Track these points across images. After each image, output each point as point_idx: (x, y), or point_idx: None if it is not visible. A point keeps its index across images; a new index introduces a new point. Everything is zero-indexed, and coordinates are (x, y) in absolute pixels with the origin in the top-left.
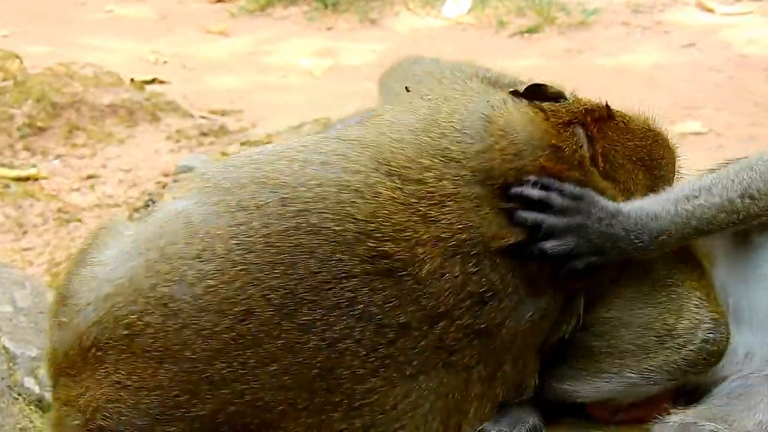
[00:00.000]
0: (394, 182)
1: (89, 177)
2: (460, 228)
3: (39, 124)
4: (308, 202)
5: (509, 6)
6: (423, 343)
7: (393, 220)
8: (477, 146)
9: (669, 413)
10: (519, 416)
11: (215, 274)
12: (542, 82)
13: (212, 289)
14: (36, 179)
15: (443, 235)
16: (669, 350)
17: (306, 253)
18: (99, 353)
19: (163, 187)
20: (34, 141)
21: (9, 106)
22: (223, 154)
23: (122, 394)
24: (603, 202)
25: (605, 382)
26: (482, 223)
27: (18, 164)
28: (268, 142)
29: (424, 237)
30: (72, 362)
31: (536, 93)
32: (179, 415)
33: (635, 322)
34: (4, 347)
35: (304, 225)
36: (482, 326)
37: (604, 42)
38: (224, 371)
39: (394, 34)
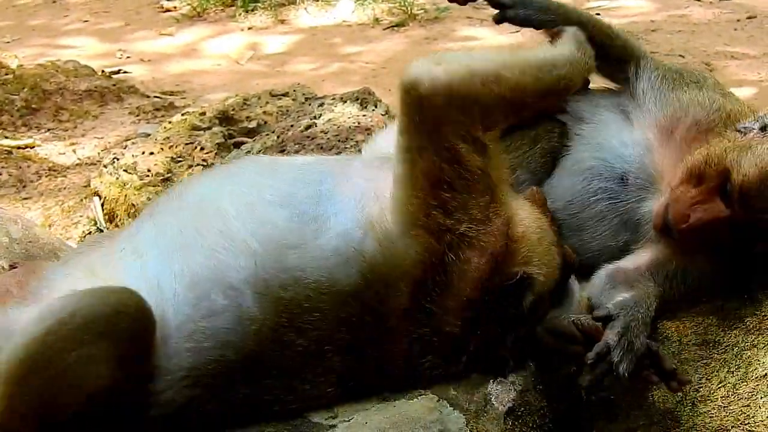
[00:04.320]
0: None
1: (72, 144)
2: None
3: (33, 106)
4: None
5: (383, 7)
6: None
7: None
8: None
9: None
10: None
11: None
12: None
13: None
14: (32, 147)
15: None
16: None
17: None
18: None
19: (124, 148)
20: (30, 119)
21: (10, 93)
22: (170, 122)
23: None
24: None
25: None
26: None
27: (18, 136)
28: (203, 113)
29: None
30: None
31: None
32: None
33: None
34: (3, 268)
35: None
36: None
37: (452, 31)
38: None
39: (298, 30)
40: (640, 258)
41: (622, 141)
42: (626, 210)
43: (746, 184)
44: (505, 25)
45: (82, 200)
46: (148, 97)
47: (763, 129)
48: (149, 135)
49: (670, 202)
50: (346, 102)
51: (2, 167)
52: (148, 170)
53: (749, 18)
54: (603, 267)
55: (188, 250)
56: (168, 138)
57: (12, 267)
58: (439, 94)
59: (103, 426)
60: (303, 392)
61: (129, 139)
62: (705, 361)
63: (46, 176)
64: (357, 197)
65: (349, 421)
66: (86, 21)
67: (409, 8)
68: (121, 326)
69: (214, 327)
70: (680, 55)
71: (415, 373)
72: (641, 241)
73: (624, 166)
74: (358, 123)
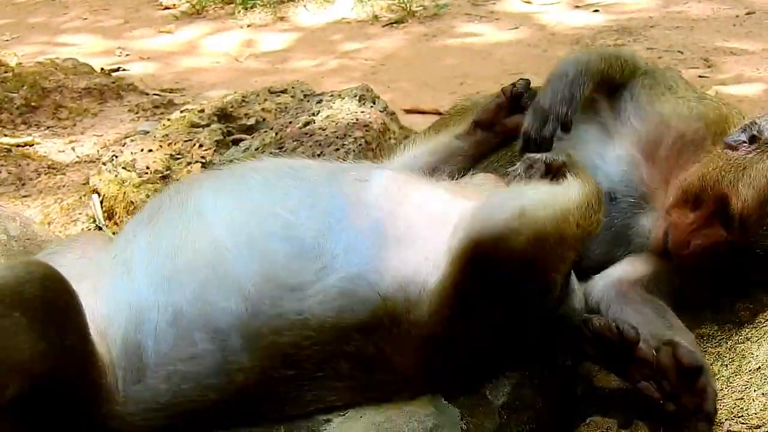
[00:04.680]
0: None
1: (71, 141)
2: None
3: (32, 104)
4: None
5: (381, 4)
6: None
7: None
8: None
9: None
10: None
11: None
12: None
13: None
14: (31, 145)
15: None
16: None
17: None
18: None
19: (123, 145)
20: (30, 117)
21: (9, 91)
22: (168, 119)
23: None
24: None
25: None
26: None
27: (18, 134)
28: (201, 110)
29: None
30: None
31: None
32: None
33: None
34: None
35: None
36: None
37: (451, 28)
38: None
39: (298, 27)
40: (640, 269)
41: (605, 158)
42: (619, 226)
43: (746, 210)
44: (504, 21)
45: (81, 198)
46: (147, 94)
47: (752, 140)
48: (148, 132)
49: (669, 229)
50: (344, 99)
51: (1, 165)
52: (147, 167)
53: (748, 14)
54: (601, 274)
55: (176, 281)
56: (167, 135)
57: None
58: (522, 247)
59: (58, 413)
60: (297, 411)
61: (128, 137)
62: None
63: (45, 174)
64: (373, 234)
65: (344, 415)
66: (85, 19)
67: (407, 5)
68: (29, 294)
69: (195, 371)
70: (679, 51)
71: (426, 385)
72: (636, 252)
73: (611, 185)
74: (357, 119)
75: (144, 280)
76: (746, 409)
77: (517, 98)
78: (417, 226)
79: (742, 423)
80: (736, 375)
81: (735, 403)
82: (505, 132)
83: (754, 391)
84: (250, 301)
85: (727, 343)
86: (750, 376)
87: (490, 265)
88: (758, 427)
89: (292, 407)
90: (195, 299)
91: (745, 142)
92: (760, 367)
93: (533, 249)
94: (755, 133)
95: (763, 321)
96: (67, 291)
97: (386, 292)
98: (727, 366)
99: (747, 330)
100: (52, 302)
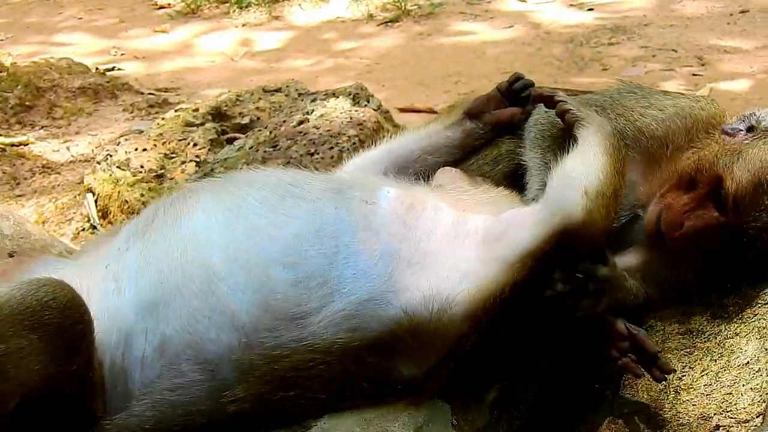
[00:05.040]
0: None
1: (66, 141)
2: None
3: (27, 103)
4: None
5: (376, 3)
6: None
7: None
8: None
9: None
10: None
11: None
12: None
13: None
14: (26, 144)
15: None
16: None
17: None
18: None
19: (117, 144)
20: (24, 116)
21: (3, 91)
22: (163, 119)
23: None
24: None
25: None
26: None
27: (12, 134)
28: (195, 109)
29: None
30: None
31: None
32: None
33: None
34: None
35: None
36: None
37: (446, 27)
38: None
39: (293, 26)
40: (630, 260)
41: None
42: (614, 233)
43: (740, 191)
44: (499, 20)
45: (75, 197)
46: (142, 94)
47: (750, 130)
48: (143, 131)
49: (662, 210)
50: (338, 97)
51: None
52: (141, 167)
53: (742, 12)
54: None
55: (164, 308)
56: (161, 134)
57: (11, 255)
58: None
59: (54, 421)
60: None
61: (122, 136)
62: (688, 350)
63: (40, 173)
64: (386, 258)
65: (336, 410)
66: (80, 18)
67: (402, 4)
68: (49, 319)
69: (183, 400)
70: (673, 50)
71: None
72: (630, 247)
73: None
74: (351, 118)
75: (132, 304)
76: (735, 404)
77: (509, 92)
78: (433, 246)
79: (731, 417)
80: (725, 370)
81: (724, 398)
82: (494, 123)
83: (743, 385)
84: (244, 333)
85: (716, 338)
86: (739, 371)
87: (563, 250)
88: (746, 421)
89: (290, 421)
90: (183, 329)
91: (742, 130)
92: (748, 362)
93: (608, 220)
94: (753, 122)
95: (751, 316)
96: (84, 320)
97: (410, 308)
98: (716, 361)
99: (736, 325)
100: (69, 329)
